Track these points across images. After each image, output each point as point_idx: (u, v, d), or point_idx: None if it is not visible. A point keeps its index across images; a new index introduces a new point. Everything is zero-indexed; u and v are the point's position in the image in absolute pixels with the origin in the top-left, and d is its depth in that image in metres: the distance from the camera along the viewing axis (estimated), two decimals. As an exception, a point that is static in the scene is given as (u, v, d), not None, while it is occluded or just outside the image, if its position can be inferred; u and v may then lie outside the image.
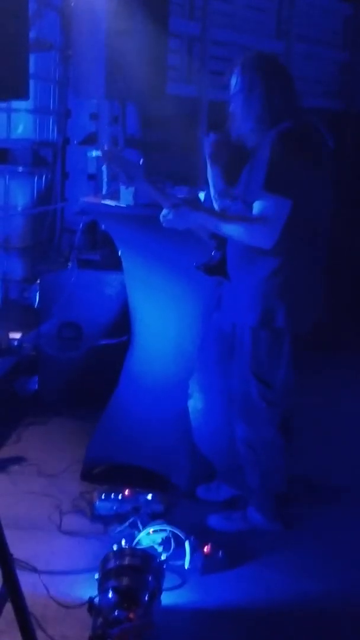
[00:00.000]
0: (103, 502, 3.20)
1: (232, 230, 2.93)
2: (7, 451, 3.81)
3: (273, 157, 2.81)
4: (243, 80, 2.96)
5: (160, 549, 2.92)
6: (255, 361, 3.02)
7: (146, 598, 2.46)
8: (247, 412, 3.09)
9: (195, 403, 3.27)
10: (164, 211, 2.99)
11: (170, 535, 2.95)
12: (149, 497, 3.22)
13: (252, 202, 2.88)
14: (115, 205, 3.42)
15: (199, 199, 3.29)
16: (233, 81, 3.00)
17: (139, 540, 2.95)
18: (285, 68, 3.13)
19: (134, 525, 3.07)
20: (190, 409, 3.29)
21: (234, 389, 3.11)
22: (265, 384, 3.04)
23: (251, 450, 3.13)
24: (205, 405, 3.24)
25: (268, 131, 2.90)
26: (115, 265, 4.04)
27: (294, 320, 2.97)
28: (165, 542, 2.95)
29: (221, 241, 3.07)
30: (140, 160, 2.92)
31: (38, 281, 4.62)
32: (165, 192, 3.03)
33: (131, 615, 2.37)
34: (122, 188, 3.47)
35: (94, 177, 5.30)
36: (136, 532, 3.00)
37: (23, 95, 3.47)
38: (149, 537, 2.96)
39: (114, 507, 3.19)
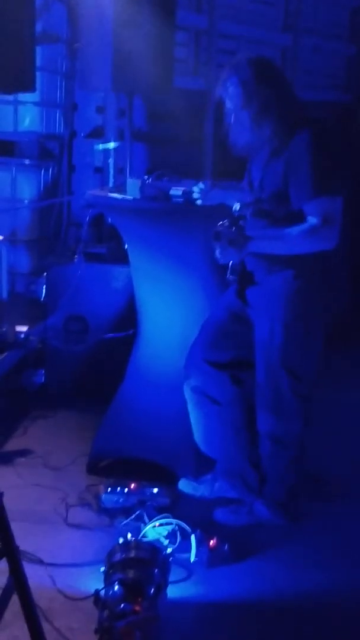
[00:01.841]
0: (109, 495, 3.21)
1: (293, 246, 2.89)
2: (14, 444, 3.82)
3: (315, 161, 2.80)
4: (247, 93, 2.90)
5: (166, 542, 2.92)
6: (286, 354, 3.02)
7: (152, 591, 2.47)
8: (277, 406, 3.09)
9: (193, 382, 3.25)
10: (219, 249, 2.91)
11: (176, 529, 2.96)
12: (155, 490, 3.22)
13: (295, 208, 2.86)
14: (122, 199, 3.41)
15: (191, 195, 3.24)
16: (230, 92, 2.93)
17: (145, 533, 2.96)
18: (276, 67, 3.09)
19: (140, 519, 3.07)
20: (186, 391, 3.27)
21: (259, 382, 3.10)
22: (295, 377, 3.04)
23: (278, 444, 3.13)
24: (203, 380, 3.23)
25: (291, 135, 2.87)
26: (122, 258, 4.04)
27: (325, 312, 2.99)
28: (171, 535, 2.95)
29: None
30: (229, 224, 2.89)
31: (45, 274, 4.62)
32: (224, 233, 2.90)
33: (137, 608, 2.38)
34: (129, 181, 3.46)
35: (101, 170, 5.30)
36: (142, 525, 3.01)
37: (29, 87, 3.46)
38: (155, 530, 2.97)
39: (120, 500, 3.19)
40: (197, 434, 3.32)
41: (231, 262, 3.01)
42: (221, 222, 2.89)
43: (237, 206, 2.98)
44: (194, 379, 3.25)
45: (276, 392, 3.07)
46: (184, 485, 3.34)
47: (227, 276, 3.07)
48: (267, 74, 2.95)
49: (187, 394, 3.29)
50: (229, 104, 2.98)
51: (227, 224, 2.88)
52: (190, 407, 3.29)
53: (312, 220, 2.85)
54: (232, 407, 3.22)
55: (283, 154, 2.89)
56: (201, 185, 3.22)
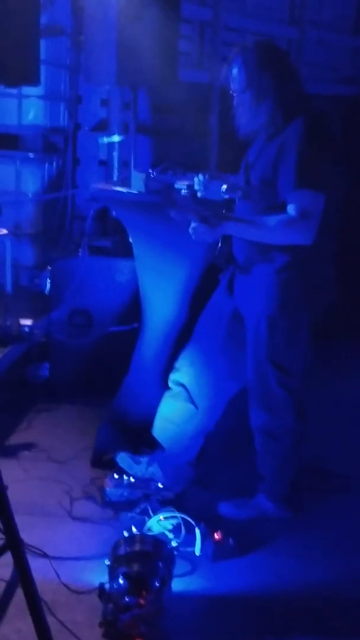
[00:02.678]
0: (114, 489, 3.21)
1: (268, 235, 2.87)
2: (18, 437, 3.82)
3: (306, 152, 2.76)
4: (248, 75, 2.89)
5: (170, 535, 2.92)
6: (272, 349, 3.00)
7: (157, 584, 2.47)
8: (266, 400, 3.08)
9: (181, 377, 3.26)
10: (193, 224, 2.91)
11: (181, 522, 2.96)
12: (160, 484, 3.22)
13: (281, 196, 2.84)
14: (126, 192, 3.41)
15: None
16: (234, 73, 2.93)
17: (149, 526, 2.96)
18: (286, 53, 3.07)
19: (144, 512, 3.07)
20: (170, 381, 3.28)
21: (250, 377, 3.10)
22: (283, 371, 3.03)
23: (271, 439, 3.13)
24: (191, 382, 3.23)
25: (287, 122, 2.85)
26: (126, 252, 4.03)
27: (311, 306, 2.97)
28: (175, 529, 2.95)
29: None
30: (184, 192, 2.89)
31: (49, 268, 4.62)
32: (195, 206, 2.93)
33: (142, 601, 2.38)
34: (134, 174, 3.46)
35: (105, 164, 5.29)
36: (147, 519, 3.01)
37: (33, 80, 3.45)
38: (160, 523, 2.97)
39: (125, 494, 3.19)
40: (160, 421, 3.31)
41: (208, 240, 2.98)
42: (182, 188, 2.90)
43: (224, 187, 2.98)
44: (179, 376, 3.27)
45: (265, 387, 3.06)
46: (121, 459, 3.35)
47: (215, 256, 3.06)
48: (272, 58, 2.93)
49: (170, 383, 3.30)
50: (232, 86, 2.97)
51: (185, 191, 2.89)
52: (166, 395, 3.30)
53: (290, 211, 2.81)
54: (208, 414, 3.23)
55: (276, 140, 2.87)
56: (200, 177, 3.20)
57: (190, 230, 2.92)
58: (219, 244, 3.07)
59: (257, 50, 2.92)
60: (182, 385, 3.26)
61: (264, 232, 2.88)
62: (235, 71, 2.93)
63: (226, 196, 3.11)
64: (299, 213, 2.79)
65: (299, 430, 3.13)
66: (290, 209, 2.81)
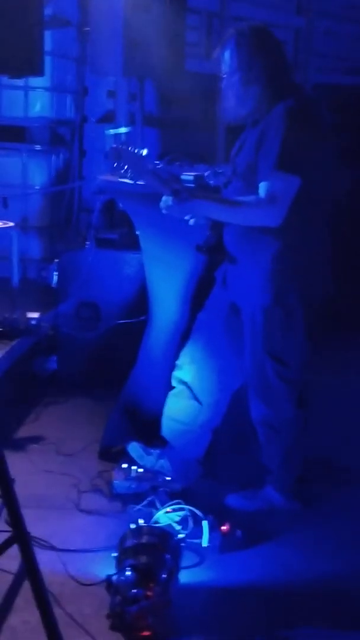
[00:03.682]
0: (121, 481, 3.21)
1: (236, 215, 2.88)
2: (26, 430, 3.82)
3: (285, 135, 2.74)
4: (239, 57, 2.87)
5: (178, 527, 2.92)
6: (268, 340, 2.99)
7: (164, 576, 2.46)
8: (265, 392, 3.08)
9: (183, 374, 3.25)
10: (164, 198, 2.93)
11: (188, 514, 2.95)
12: (168, 476, 3.22)
13: (260, 181, 2.81)
14: (133, 184, 3.39)
15: (204, 180, 3.23)
16: (226, 58, 2.91)
17: (157, 518, 2.95)
18: (278, 41, 3.02)
19: (152, 504, 3.07)
20: (173, 379, 3.27)
21: (248, 370, 3.09)
22: (280, 362, 3.02)
23: (272, 430, 3.12)
24: (193, 379, 3.22)
25: (271, 109, 2.83)
26: (133, 244, 4.03)
27: (305, 296, 2.94)
28: (183, 521, 2.94)
29: (216, 222, 3.03)
30: (144, 151, 2.86)
31: (56, 261, 4.61)
32: (165, 178, 2.92)
33: (149, 593, 2.37)
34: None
35: (112, 156, 5.27)
36: (154, 511, 3.00)
37: (38, 71, 3.45)
38: (167, 515, 2.96)
39: (132, 486, 3.19)
40: (167, 420, 3.30)
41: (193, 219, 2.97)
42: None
43: (207, 172, 2.97)
44: (181, 374, 3.26)
45: (263, 379, 3.05)
46: (133, 448, 3.35)
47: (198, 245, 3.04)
48: (265, 44, 2.91)
49: (173, 381, 3.29)
50: (223, 68, 2.95)
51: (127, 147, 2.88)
52: (170, 394, 3.29)
53: (260, 192, 2.80)
54: (213, 409, 3.22)
55: (260, 126, 2.86)
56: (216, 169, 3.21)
57: (161, 204, 2.93)
58: (208, 233, 3.05)
59: (251, 34, 2.90)
60: (185, 383, 3.25)
61: (232, 212, 2.88)
62: (227, 53, 2.91)
63: (211, 182, 3.10)
64: (267, 195, 2.78)
65: (300, 421, 3.12)
66: (260, 190, 2.80)
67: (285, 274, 2.91)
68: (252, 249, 2.95)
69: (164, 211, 2.94)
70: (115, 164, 2.84)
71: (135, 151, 2.84)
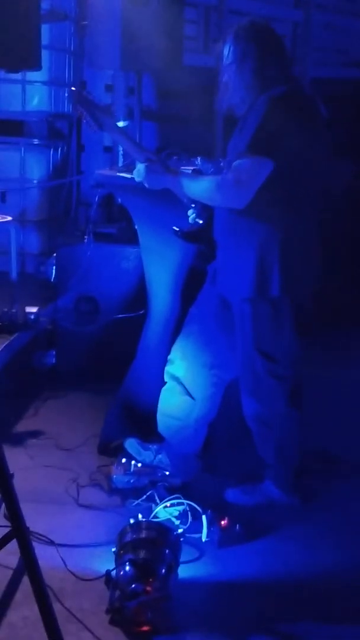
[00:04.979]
0: (120, 476, 3.21)
1: (202, 190, 2.90)
2: (25, 425, 3.82)
3: (261, 120, 2.76)
4: (236, 50, 2.90)
5: (177, 522, 2.92)
6: (257, 336, 2.99)
7: (163, 571, 2.47)
8: (256, 389, 3.07)
9: (175, 370, 3.24)
10: (138, 165, 2.96)
11: (188, 509, 2.96)
12: (167, 471, 3.22)
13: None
14: (131, 178, 3.38)
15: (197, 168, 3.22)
16: (226, 51, 2.94)
17: (156, 513, 2.95)
18: (278, 37, 3.04)
19: (151, 499, 3.07)
20: (165, 374, 3.27)
21: (240, 366, 3.08)
22: (269, 358, 3.01)
23: (264, 426, 3.12)
24: (185, 374, 3.21)
25: (258, 98, 2.85)
26: (132, 238, 4.02)
27: (291, 289, 2.93)
28: (182, 516, 2.95)
29: (204, 208, 3.03)
30: (110, 105, 2.86)
31: (54, 255, 4.60)
32: (140, 145, 2.97)
33: (148, 588, 2.38)
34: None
35: (110, 150, 5.27)
36: (153, 506, 3.00)
37: (35, 65, 3.43)
38: (166, 510, 2.97)
39: (131, 481, 3.19)
40: (162, 417, 3.29)
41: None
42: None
43: (198, 161, 2.98)
44: (173, 369, 3.25)
45: (254, 375, 3.04)
46: (130, 444, 3.35)
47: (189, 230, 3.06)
48: (262, 38, 2.93)
49: (165, 377, 3.29)
50: (223, 60, 2.96)
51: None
52: (163, 391, 3.29)
53: (228, 173, 2.82)
54: (206, 404, 3.21)
55: (246, 116, 2.88)
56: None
57: (134, 172, 2.99)
58: (195, 218, 3.05)
59: (250, 28, 2.93)
60: (177, 379, 3.24)
61: (199, 190, 2.92)
62: (226, 46, 2.94)
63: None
64: (233, 175, 2.79)
65: (292, 417, 3.11)
66: (229, 171, 2.82)
67: (268, 265, 2.90)
68: (237, 240, 2.95)
69: (136, 179, 2.99)
70: (77, 112, 2.87)
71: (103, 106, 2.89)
